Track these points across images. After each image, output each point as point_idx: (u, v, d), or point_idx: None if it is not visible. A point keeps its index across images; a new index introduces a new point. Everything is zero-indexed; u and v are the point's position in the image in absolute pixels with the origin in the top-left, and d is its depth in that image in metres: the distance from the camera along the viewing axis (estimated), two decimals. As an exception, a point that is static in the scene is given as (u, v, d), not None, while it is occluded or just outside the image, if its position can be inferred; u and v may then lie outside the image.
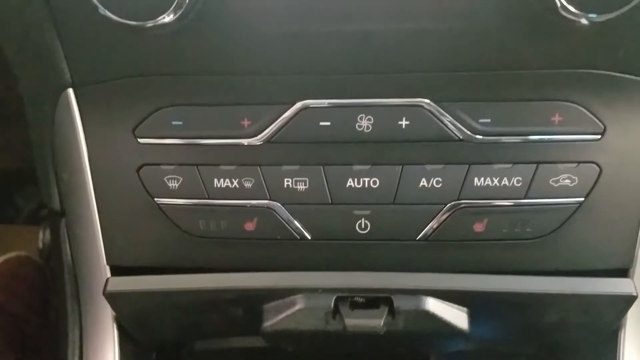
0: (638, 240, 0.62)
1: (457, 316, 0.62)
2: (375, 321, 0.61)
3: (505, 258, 0.62)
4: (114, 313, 0.69)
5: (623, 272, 0.63)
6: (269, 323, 0.64)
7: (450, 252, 0.62)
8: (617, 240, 0.61)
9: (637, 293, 0.61)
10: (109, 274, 0.66)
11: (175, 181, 0.62)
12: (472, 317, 0.63)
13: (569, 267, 0.62)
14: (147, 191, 0.63)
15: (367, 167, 0.60)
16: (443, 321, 0.62)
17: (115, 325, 0.69)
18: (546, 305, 0.63)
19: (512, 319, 0.66)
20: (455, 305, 0.63)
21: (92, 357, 0.69)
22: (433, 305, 0.62)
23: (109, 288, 0.64)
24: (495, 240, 0.61)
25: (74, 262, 0.69)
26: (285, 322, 0.63)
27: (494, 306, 0.64)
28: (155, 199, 0.63)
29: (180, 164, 0.62)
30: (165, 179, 0.62)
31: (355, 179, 0.61)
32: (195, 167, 0.61)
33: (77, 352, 0.69)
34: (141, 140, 0.62)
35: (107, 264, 0.66)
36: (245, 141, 0.60)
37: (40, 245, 1.12)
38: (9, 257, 1.13)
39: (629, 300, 0.62)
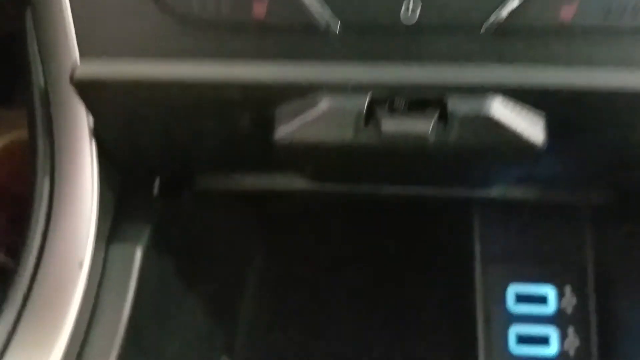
0: None
1: (529, 125, 0.47)
2: (422, 126, 0.47)
3: (596, 54, 0.47)
4: (90, 125, 0.56)
5: None
6: (282, 132, 0.49)
7: (524, 45, 0.46)
8: None
9: None
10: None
11: None
12: (548, 131, 0.49)
13: None
14: None
15: None
16: (511, 131, 0.47)
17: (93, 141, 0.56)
18: None
19: (598, 136, 0.51)
20: (528, 110, 0.48)
21: (66, 173, 0.56)
22: (499, 108, 0.47)
23: (79, 73, 0.50)
24: (585, 31, 0.46)
25: (42, 55, 0.55)
26: (302, 131, 0.49)
27: (579, 114, 0.48)
28: None
29: None
30: None
31: None
32: None
33: (47, 168, 0.57)
34: None
35: (80, 55, 0.52)
36: None
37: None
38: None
39: None
